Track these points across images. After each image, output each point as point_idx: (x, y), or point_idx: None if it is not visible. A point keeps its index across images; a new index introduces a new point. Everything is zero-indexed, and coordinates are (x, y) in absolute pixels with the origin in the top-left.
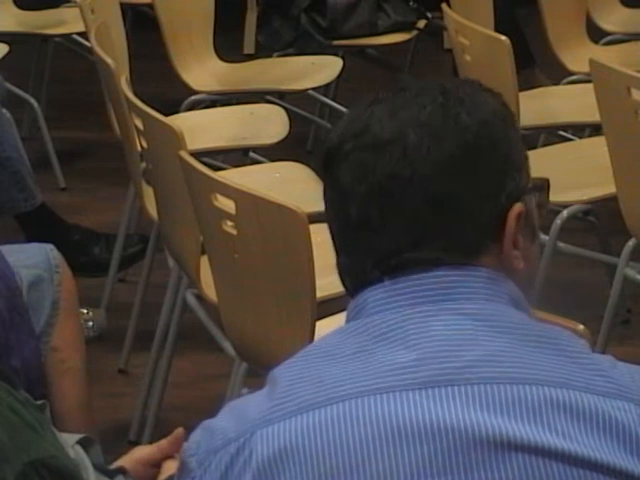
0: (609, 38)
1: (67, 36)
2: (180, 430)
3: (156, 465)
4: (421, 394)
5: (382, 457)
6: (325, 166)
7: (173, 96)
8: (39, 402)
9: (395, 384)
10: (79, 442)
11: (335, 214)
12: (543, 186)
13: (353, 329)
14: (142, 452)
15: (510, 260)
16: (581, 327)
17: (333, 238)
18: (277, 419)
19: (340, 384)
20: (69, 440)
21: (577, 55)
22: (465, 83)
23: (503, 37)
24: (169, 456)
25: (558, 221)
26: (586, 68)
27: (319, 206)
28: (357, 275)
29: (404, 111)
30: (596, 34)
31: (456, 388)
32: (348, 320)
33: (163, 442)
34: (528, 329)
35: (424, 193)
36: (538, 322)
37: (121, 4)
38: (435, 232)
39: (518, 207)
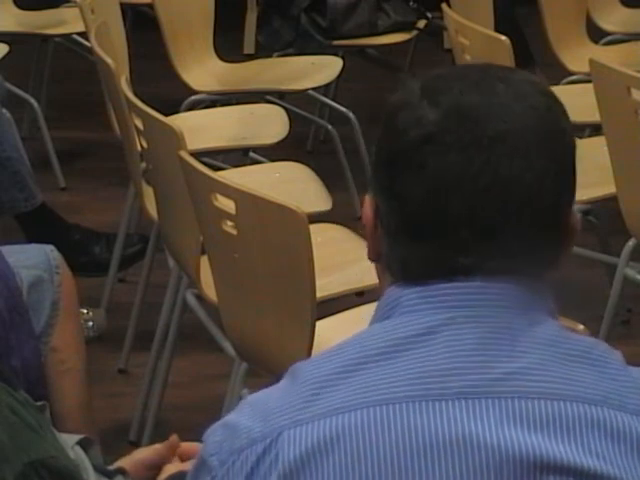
0: (609, 38)
1: (67, 36)
2: (174, 437)
3: (154, 468)
4: (454, 405)
5: (412, 468)
6: (414, 148)
7: (173, 96)
8: (39, 403)
9: (428, 392)
10: (79, 443)
11: (420, 201)
12: None
13: (388, 329)
14: (142, 454)
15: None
16: (581, 327)
17: (395, 217)
18: (305, 420)
19: (371, 388)
20: (69, 441)
21: (577, 55)
22: (541, 82)
23: (503, 37)
24: (167, 460)
25: None
26: (586, 68)
27: (319, 206)
28: (429, 265)
29: (518, 105)
30: (596, 34)
31: (490, 401)
32: (380, 316)
33: (160, 447)
34: (564, 342)
35: (541, 200)
36: (574, 334)
37: (121, 4)
38: (508, 238)
39: (576, 215)
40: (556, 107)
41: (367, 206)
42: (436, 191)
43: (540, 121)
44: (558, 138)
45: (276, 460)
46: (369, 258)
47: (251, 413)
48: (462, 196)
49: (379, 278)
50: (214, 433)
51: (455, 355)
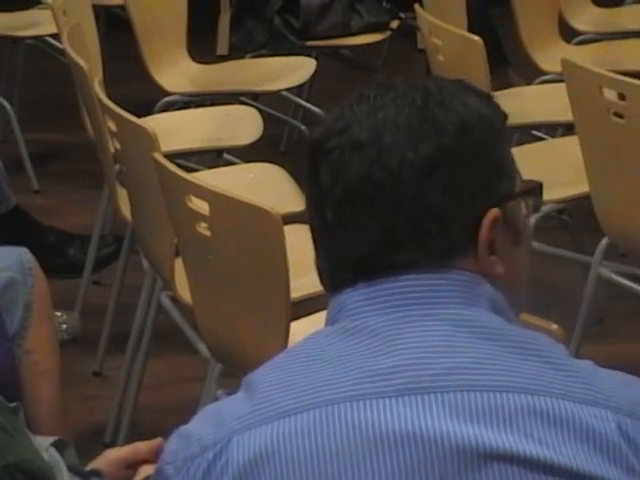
0: (581, 38)
1: (39, 38)
2: (160, 440)
3: (130, 466)
4: (397, 401)
5: (358, 465)
6: (308, 162)
7: (146, 97)
8: (12, 404)
9: (372, 391)
10: (53, 445)
11: (314, 213)
12: (536, 190)
13: (332, 334)
14: (116, 453)
15: (486, 266)
16: (555, 326)
17: (312, 236)
18: (254, 425)
19: (317, 390)
20: (43, 443)
21: (550, 55)
22: (451, 83)
23: (476, 37)
24: (144, 459)
25: (532, 220)
26: (559, 68)
27: (293, 207)
28: (333, 275)
29: (383, 112)
30: (568, 34)
31: (432, 396)
32: (328, 321)
33: (141, 445)
34: (507, 335)
35: (396, 196)
36: (517, 327)
37: (94, 6)
38: (407, 236)
39: (493, 213)
40: (430, 105)
41: None
42: (318, 199)
43: (413, 124)
44: (433, 140)
45: (227, 465)
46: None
47: (204, 421)
48: (332, 201)
49: None
50: (170, 442)
51: (399, 352)
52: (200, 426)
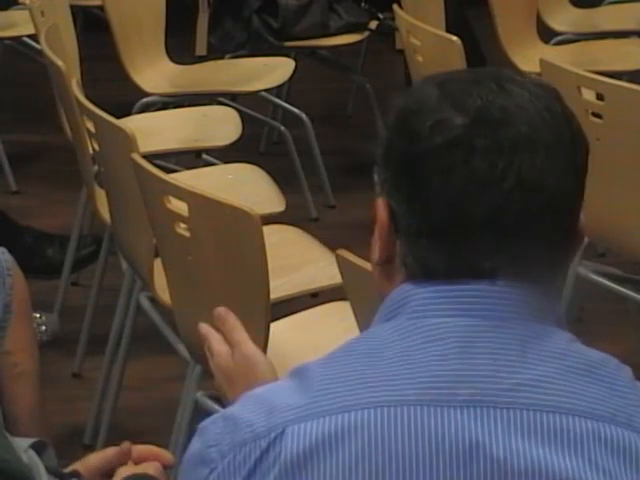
0: (559, 38)
1: (17, 39)
2: (126, 444)
3: (106, 474)
4: (462, 412)
5: (417, 471)
6: (440, 152)
7: (125, 98)
8: None
9: (437, 398)
10: (32, 446)
11: (446, 203)
12: None
13: (394, 330)
14: (94, 460)
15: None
16: None
17: (418, 220)
18: (311, 416)
19: (380, 388)
20: (22, 444)
21: (528, 55)
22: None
23: (454, 37)
24: (116, 467)
25: None
26: (537, 68)
27: (272, 208)
28: (450, 267)
29: (535, 108)
30: (546, 34)
31: (498, 411)
32: (386, 313)
33: (110, 453)
34: (576, 355)
35: (561, 203)
36: (585, 347)
37: (71, 6)
38: (549, 242)
39: (583, 219)
40: (567, 109)
41: (381, 208)
42: (462, 194)
43: (556, 123)
44: (574, 140)
45: (279, 456)
46: (377, 262)
47: (255, 407)
48: (487, 199)
49: (381, 282)
50: (214, 424)
51: (467, 362)
52: (249, 412)
